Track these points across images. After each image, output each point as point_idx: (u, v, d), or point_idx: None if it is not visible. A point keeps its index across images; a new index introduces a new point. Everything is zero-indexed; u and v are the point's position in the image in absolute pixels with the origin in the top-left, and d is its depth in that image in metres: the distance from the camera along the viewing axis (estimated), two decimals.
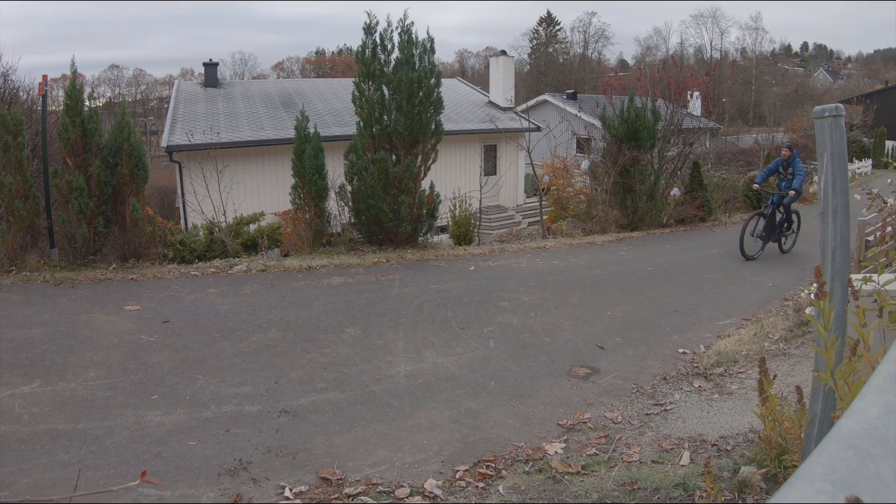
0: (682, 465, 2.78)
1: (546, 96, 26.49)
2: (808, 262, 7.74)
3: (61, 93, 8.13)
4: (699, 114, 13.08)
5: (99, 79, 51.56)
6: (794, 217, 8.88)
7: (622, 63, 58.64)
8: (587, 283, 6.64)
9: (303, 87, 19.35)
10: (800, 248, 8.94)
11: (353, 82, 7.97)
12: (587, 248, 8.97)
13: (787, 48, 66.23)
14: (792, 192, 8.40)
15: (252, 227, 8.84)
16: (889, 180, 5.14)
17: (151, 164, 9.47)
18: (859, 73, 60.37)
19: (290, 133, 8.66)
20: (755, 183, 9.02)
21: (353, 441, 3.16)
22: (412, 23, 7.82)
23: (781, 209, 8.66)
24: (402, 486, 2.71)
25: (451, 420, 3.42)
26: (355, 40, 44.04)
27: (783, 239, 8.91)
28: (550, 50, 60.06)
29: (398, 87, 7.69)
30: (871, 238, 5.43)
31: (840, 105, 2.16)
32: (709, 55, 56.36)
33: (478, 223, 10.78)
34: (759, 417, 2.42)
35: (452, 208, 10.41)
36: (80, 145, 6.78)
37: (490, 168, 17.50)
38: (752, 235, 8.45)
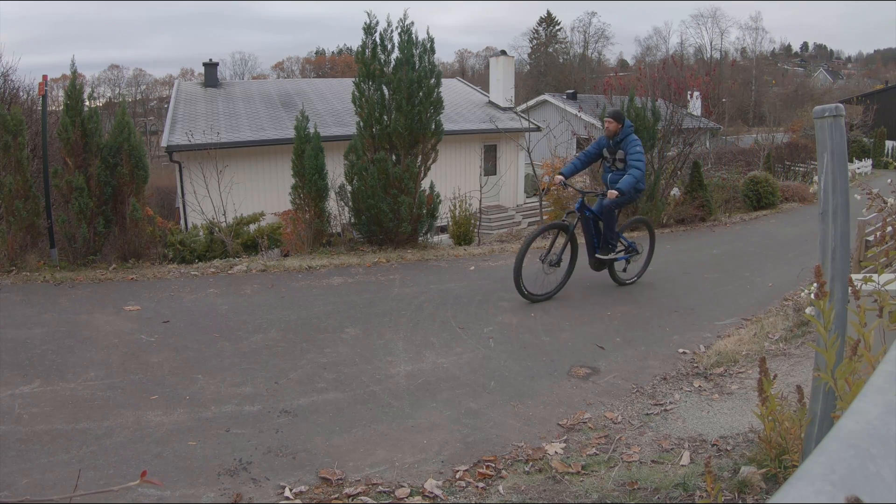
0: (682, 465, 2.78)
1: (546, 96, 26.54)
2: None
3: (61, 93, 8.13)
4: (699, 114, 13.08)
5: (99, 79, 51.75)
6: (631, 231, 6.00)
7: (622, 63, 58.69)
8: (587, 283, 6.63)
9: (303, 87, 19.38)
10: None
11: (353, 82, 7.97)
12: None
13: (787, 48, 66.32)
14: (613, 194, 5.24)
15: (252, 227, 8.84)
16: (889, 180, 5.13)
17: (151, 164, 9.46)
18: (859, 73, 60.43)
19: (290, 133, 8.66)
20: (559, 173, 5.66)
21: (353, 441, 3.16)
22: (412, 23, 7.83)
23: (600, 218, 5.68)
24: (402, 486, 2.71)
25: (451, 420, 3.42)
26: (355, 40, 44.03)
27: (616, 264, 6.07)
28: (550, 50, 60.15)
29: (398, 87, 7.69)
30: (871, 238, 5.42)
31: (840, 105, 2.16)
32: (709, 55, 56.47)
33: (478, 223, 10.78)
34: (759, 417, 2.42)
35: (452, 208, 10.40)
36: (80, 145, 6.78)
37: (490, 168, 17.52)
38: (543, 262, 5.50)
